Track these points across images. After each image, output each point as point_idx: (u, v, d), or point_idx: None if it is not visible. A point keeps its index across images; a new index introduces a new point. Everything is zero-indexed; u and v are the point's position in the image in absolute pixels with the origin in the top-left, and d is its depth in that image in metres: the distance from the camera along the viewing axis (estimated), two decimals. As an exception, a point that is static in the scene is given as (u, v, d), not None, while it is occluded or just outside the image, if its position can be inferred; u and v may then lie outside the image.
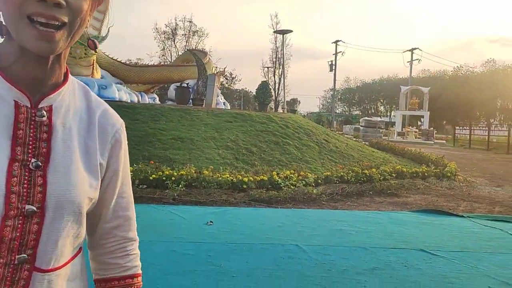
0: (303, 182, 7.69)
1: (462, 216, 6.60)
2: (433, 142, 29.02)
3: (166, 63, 42.42)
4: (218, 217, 5.83)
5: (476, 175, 12.38)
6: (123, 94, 16.63)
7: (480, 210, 7.41)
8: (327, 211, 6.62)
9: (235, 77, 56.76)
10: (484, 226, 5.99)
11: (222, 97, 20.54)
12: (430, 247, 4.74)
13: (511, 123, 33.50)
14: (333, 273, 3.85)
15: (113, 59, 17.67)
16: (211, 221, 5.52)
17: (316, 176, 8.10)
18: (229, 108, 19.84)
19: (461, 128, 30.75)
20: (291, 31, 22.87)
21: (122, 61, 19.55)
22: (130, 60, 46.76)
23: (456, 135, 29.97)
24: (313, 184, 7.80)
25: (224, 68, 20.27)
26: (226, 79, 51.64)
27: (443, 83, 56.19)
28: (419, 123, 38.69)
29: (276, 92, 37.10)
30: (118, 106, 11.30)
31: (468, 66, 62.45)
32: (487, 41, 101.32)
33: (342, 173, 8.42)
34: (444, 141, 31.50)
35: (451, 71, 62.97)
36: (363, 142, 15.94)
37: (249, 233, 5.09)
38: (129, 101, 15.83)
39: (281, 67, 41.82)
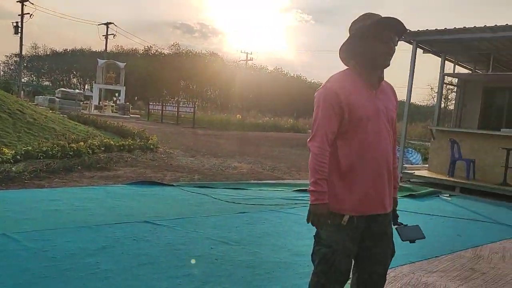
0: (-2, 159, 6.44)
1: (172, 185, 7.03)
2: (129, 116, 29.88)
3: None
4: None
5: (173, 147, 13.45)
6: None
7: (183, 179, 8.08)
8: (35, 191, 5.76)
9: None
10: (192, 193, 6.57)
11: None
12: (152, 218, 4.82)
13: (196, 102, 38.13)
14: (59, 260, 3.36)
15: None
16: None
17: (14, 151, 6.91)
18: None
19: (153, 103, 32.72)
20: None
21: None
22: None
23: (150, 110, 31.77)
24: (12, 161, 6.63)
25: None
26: None
27: (135, 60, 58.38)
28: (114, 98, 38.82)
29: None
30: None
31: (157, 47, 67.19)
32: (172, 27, 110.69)
33: (46, 148, 7.50)
34: (139, 116, 32.92)
35: (142, 50, 66.24)
36: (62, 115, 14.74)
37: None
38: None
39: None
